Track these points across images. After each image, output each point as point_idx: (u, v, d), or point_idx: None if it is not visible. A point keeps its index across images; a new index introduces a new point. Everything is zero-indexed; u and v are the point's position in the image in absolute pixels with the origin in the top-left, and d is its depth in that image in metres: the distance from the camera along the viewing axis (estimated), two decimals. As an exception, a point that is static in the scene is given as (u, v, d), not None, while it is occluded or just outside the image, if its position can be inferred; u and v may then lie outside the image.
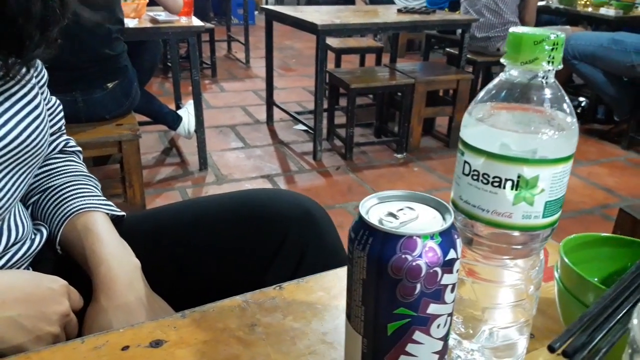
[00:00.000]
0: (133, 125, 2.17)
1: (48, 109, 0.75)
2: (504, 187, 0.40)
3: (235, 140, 3.26)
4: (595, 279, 0.53)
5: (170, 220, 0.75)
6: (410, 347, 0.41)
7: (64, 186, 0.73)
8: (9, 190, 0.57)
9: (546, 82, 0.39)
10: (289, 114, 3.46)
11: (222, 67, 5.08)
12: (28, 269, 0.66)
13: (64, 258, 0.70)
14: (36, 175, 0.73)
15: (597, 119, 3.68)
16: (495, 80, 0.41)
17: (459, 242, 0.40)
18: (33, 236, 0.67)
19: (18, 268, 0.64)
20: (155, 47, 2.95)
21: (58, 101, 0.77)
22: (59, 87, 1.96)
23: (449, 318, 0.41)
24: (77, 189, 0.73)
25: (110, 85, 2.08)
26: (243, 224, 0.70)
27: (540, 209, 0.40)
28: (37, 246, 0.66)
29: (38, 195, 0.72)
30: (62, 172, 0.76)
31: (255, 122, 3.58)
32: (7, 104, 0.56)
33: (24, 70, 0.57)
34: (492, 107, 0.41)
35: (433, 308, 0.39)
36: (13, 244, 0.63)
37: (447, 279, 0.39)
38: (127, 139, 2.10)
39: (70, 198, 0.71)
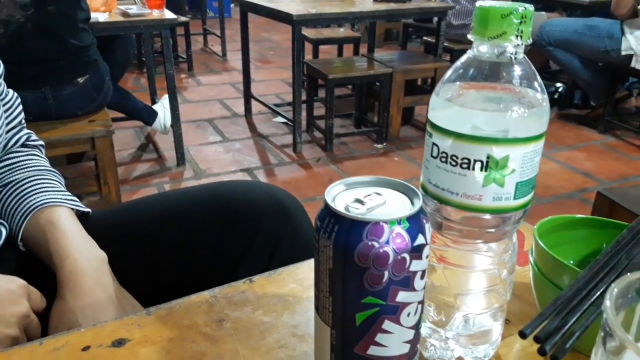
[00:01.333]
0: (106, 121, 2.12)
1: (5, 104, 0.71)
2: (473, 169, 0.38)
3: (214, 134, 3.21)
4: (571, 262, 0.52)
5: (140, 214, 0.73)
6: (380, 337, 0.39)
7: (26, 181, 0.70)
8: None
9: (515, 58, 0.38)
10: (267, 106, 3.42)
11: (199, 61, 5.01)
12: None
13: (25, 257, 0.67)
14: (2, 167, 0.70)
15: (574, 104, 3.71)
16: (463, 58, 0.39)
17: (427, 227, 0.38)
18: None
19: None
20: (127, 41, 2.89)
21: (16, 94, 0.74)
22: (27, 83, 1.91)
23: (419, 306, 0.40)
24: (39, 183, 0.70)
25: (80, 80, 2.03)
26: (214, 217, 0.68)
27: (512, 190, 0.39)
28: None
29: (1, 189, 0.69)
30: (23, 166, 0.72)
31: (233, 116, 3.54)
32: None
33: None
34: (460, 86, 0.40)
35: (402, 296, 0.38)
36: None
37: (416, 266, 0.37)
38: (100, 135, 2.06)
39: (32, 193, 0.68)
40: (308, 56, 4.07)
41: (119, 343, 0.49)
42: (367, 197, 0.39)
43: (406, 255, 0.37)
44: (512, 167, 0.38)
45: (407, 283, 0.38)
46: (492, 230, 0.41)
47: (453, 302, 0.43)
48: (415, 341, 0.41)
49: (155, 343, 0.49)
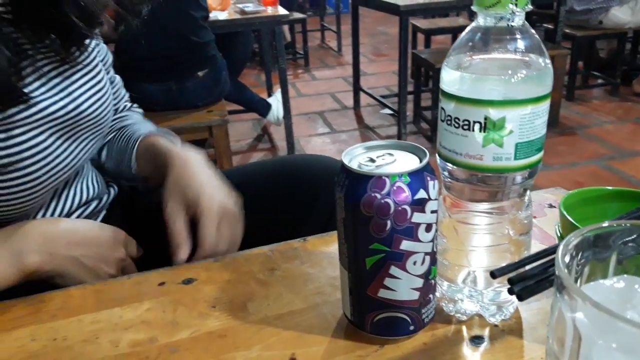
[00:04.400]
0: (222, 111, 2.32)
1: (113, 87, 0.85)
2: (473, 130, 0.41)
3: (323, 125, 3.34)
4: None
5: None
6: (388, 281, 0.44)
7: (137, 122, 0.83)
8: (72, 153, 0.66)
9: (513, 25, 0.41)
10: (374, 98, 3.48)
11: (315, 56, 5.19)
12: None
13: (128, 215, 0.80)
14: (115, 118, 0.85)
15: None
16: (468, 28, 0.43)
17: (432, 184, 0.42)
18: (103, 195, 0.78)
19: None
20: (247, 38, 3.11)
21: (119, 78, 0.87)
22: (156, 76, 2.15)
23: (427, 257, 0.44)
24: (150, 125, 0.83)
25: (200, 74, 2.24)
26: (281, 186, 0.76)
27: (511, 150, 0.41)
28: (105, 202, 0.77)
29: (113, 134, 0.83)
30: (133, 117, 0.87)
31: (342, 108, 3.64)
32: (73, 78, 0.66)
33: (79, 51, 0.65)
34: (465, 54, 0.43)
35: (406, 245, 0.42)
36: (86, 203, 0.74)
37: (418, 218, 0.42)
38: (217, 124, 2.26)
39: (143, 129, 0.81)
40: (421, 47, 4.06)
41: (189, 281, 0.59)
42: (379, 157, 0.44)
43: (407, 207, 0.41)
44: (509, 128, 0.41)
45: (410, 233, 0.42)
46: (497, 189, 0.44)
47: (465, 259, 0.47)
48: (425, 290, 0.45)
49: (216, 283, 0.58)
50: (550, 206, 0.70)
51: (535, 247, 0.60)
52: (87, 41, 0.65)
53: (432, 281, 0.46)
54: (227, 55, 2.44)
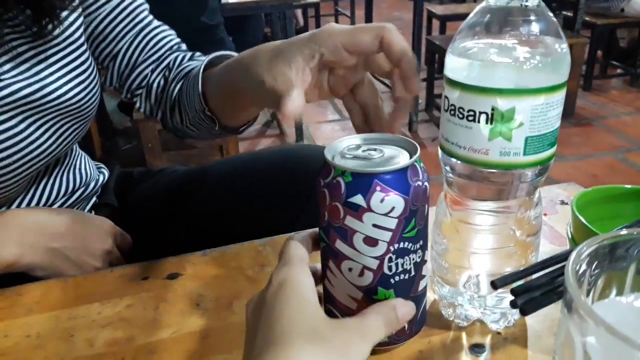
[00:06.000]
0: (230, 95, 2.28)
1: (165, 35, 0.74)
2: (479, 121, 0.37)
3: (333, 112, 3.29)
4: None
5: (217, 172, 0.79)
6: (328, 274, 0.41)
7: (198, 63, 0.68)
8: (49, 139, 0.61)
9: (527, 5, 0.36)
10: (386, 85, 3.41)
11: (328, 41, 5.11)
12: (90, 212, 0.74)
13: (119, 207, 0.77)
14: (176, 69, 0.72)
15: None
16: (476, 9, 0.38)
17: (383, 198, 0.36)
18: (91, 182, 0.74)
19: (75, 208, 0.72)
20: (257, 22, 3.05)
21: (164, 28, 0.76)
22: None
23: (368, 272, 0.38)
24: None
25: (209, 56, 2.21)
26: (277, 177, 0.72)
27: (520, 145, 0.37)
28: (93, 189, 0.74)
29: (180, 84, 0.71)
30: (196, 59, 0.73)
31: (354, 94, 3.59)
32: (52, 60, 0.60)
33: (53, 25, 0.59)
34: (472, 38, 0.39)
35: (340, 245, 0.39)
36: (71, 192, 0.71)
37: (352, 223, 0.37)
38: (224, 108, 2.22)
39: (198, 62, 0.68)
40: (436, 34, 3.97)
41: (173, 276, 0.56)
42: (367, 150, 0.40)
43: (339, 205, 0.37)
44: (519, 120, 0.36)
45: (344, 235, 0.38)
46: (504, 187, 0.40)
47: (466, 261, 0.43)
48: (364, 299, 0.40)
49: (202, 279, 0.55)
50: (563, 203, 0.66)
51: (545, 247, 0.55)
52: (64, 14, 0.60)
53: (374, 293, 0.40)
54: (236, 39, 2.39)
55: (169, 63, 0.73)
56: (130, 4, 0.71)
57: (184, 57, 0.73)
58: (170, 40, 0.75)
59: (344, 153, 0.39)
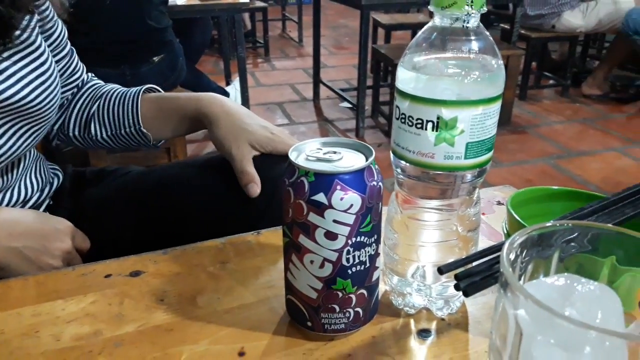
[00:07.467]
0: (178, 98, 2.27)
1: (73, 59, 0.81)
2: (426, 129, 0.42)
3: (282, 117, 3.32)
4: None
5: (174, 177, 0.80)
6: (291, 267, 0.45)
7: (119, 88, 0.82)
8: (7, 142, 0.62)
9: (468, 27, 0.41)
10: (334, 91, 3.48)
11: (276, 46, 5.15)
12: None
13: (76, 209, 0.77)
14: (87, 89, 0.82)
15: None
16: (424, 28, 0.43)
17: (342, 196, 0.40)
18: (45, 187, 0.74)
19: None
20: (205, 25, 3.05)
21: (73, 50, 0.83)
22: (109, 61, 2.08)
23: (327, 264, 0.42)
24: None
25: (156, 59, 2.19)
26: (234, 181, 0.74)
27: (462, 150, 0.42)
28: (48, 194, 0.74)
29: (98, 102, 0.80)
30: (105, 84, 0.84)
31: (302, 100, 3.63)
32: (9, 62, 0.61)
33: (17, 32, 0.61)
34: (420, 54, 0.43)
35: (303, 240, 0.42)
36: (30, 198, 0.71)
37: (314, 219, 0.41)
38: (172, 111, 2.20)
39: (130, 89, 0.81)
40: (381, 42, 4.08)
41: (136, 274, 0.57)
42: (328, 153, 0.44)
43: (302, 203, 0.41)
44: (461, 128, 0.41)
45: (307, 230, 0.42)
46: (448, 187, 0.45)
47: (414, 254, 0.47)
48: (326, 297, 0.44)
49: (164, 276, 0.57)
50: (499, 203, 0.72)
51: (483, 243, 0.61)
52: (25, 22, 0.61)
53: (338, 293, 0.44)
54: (184, 42, 2.38)
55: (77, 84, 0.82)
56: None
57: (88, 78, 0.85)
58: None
59: (307, 155, 0.43)
